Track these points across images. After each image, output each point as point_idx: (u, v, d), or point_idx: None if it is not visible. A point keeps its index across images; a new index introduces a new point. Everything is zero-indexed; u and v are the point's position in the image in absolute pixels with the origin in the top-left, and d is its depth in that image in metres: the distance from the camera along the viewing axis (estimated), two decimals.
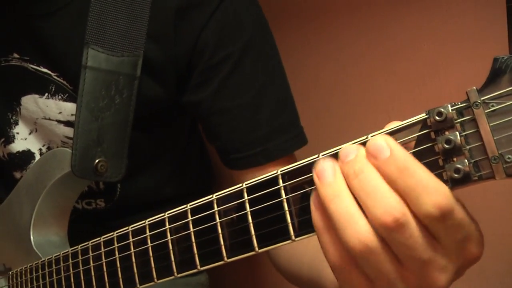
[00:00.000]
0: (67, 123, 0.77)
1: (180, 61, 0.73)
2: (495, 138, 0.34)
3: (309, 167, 0.42)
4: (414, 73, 1.01)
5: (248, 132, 0.75)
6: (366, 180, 0.36)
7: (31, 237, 0.70)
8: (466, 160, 0.35)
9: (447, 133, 0.36)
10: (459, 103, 0.36)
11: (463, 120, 0.35)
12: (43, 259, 0.67)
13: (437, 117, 0.36)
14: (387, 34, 1.02)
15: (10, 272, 0.73)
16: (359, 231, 0.36)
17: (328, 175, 0.38)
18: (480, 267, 0.94)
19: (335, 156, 0.39)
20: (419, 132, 0.37)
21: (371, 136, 0.39)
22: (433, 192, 0.34)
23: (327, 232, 0.39)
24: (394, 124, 0.39)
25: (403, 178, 0.35)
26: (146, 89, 0.73)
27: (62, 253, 0.64)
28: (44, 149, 0.82)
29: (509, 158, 0.34)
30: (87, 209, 0.86)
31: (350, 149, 0.38)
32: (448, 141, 0.35)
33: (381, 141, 0.36)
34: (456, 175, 0.35)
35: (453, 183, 0.35)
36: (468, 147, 0.35)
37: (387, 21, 1.02)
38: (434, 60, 0.98)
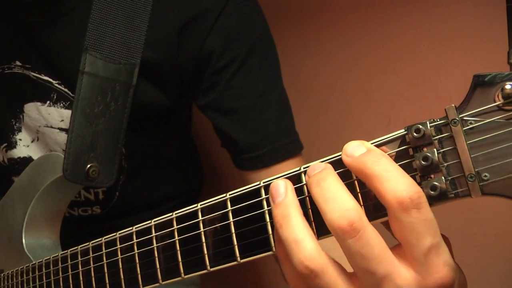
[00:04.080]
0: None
1: (186, 67, 0.74)
2: (472, 156, 0.34)
3: (293, 178, 0.42)
4: (414, 73, 1.01)
5: (254, 132, 0.76)
6: (326, 188, 0.37)
7: (23, 240, 0.70)
8: (443, 177, 0.35)
9: (425, 149, 0.36)
10: (438, 120, 0.36)
11: (441, 137, 0.36)
12: (33, 262, 0.68)
13: (415, 134, 0.36)
14: (387, 34, 1.03)
15: (2, 274, 0.74)
16: (302, 256, 0.36)
17: (279, 194, 0.39)
18: (480, 267, 0.94)
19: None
20: (398, 148, 0.37)
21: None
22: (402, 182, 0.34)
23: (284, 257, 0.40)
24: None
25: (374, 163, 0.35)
26: (146, 94, 0.73)
27: (52, 257, 0.64)
28: None
29: (485, 176, 0.34)
30: (83, 215, 0.86)
31: (318, 165, 0.39)
32: (425, 158, 0.35)
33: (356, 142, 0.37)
34: (432, 192, 0.35)
35: (429, 200, 0.35)
36: (445, 164, 0.35)
37: (387, 21, 1.02)
38: (434, 60, 0.98)
